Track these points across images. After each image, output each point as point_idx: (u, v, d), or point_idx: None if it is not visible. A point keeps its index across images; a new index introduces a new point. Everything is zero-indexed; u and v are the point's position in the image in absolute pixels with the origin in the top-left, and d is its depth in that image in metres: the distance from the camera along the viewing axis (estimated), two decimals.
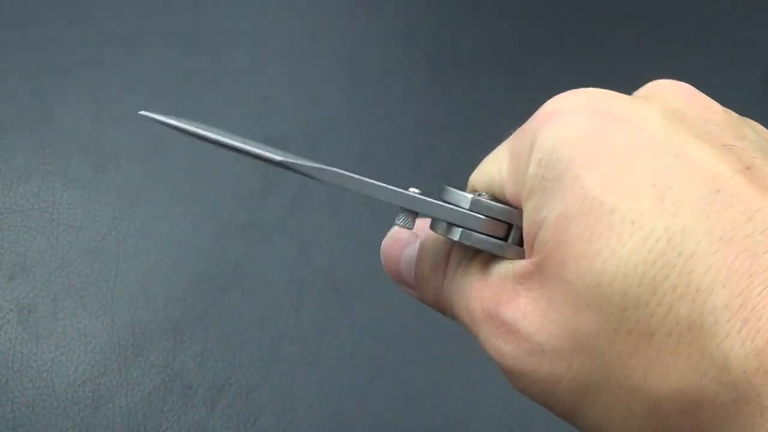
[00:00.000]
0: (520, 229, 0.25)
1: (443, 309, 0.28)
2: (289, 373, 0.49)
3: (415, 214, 0.26)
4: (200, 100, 0.59)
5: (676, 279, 0.20)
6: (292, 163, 0.25)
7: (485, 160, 0.28)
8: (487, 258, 0.26)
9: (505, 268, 0.25)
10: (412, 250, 0.29)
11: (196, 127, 0.27)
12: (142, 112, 0.26)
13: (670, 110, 0.23)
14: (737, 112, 0.27)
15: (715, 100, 0.27)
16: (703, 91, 0.27)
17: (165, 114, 0.27)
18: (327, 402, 0.48)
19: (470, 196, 0.26)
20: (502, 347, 0.24)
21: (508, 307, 0.24)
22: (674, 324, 0.20)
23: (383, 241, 0.30)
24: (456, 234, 0.26)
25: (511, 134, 0.27)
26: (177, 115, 0.26)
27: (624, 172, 0.22)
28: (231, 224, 0.54)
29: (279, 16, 0.65)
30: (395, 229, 0.29)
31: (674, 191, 0.21)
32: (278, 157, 0.25)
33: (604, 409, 0.22)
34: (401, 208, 0.26)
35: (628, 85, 0.28)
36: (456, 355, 0.50)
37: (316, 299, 0.52)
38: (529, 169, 0.24)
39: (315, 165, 0.25)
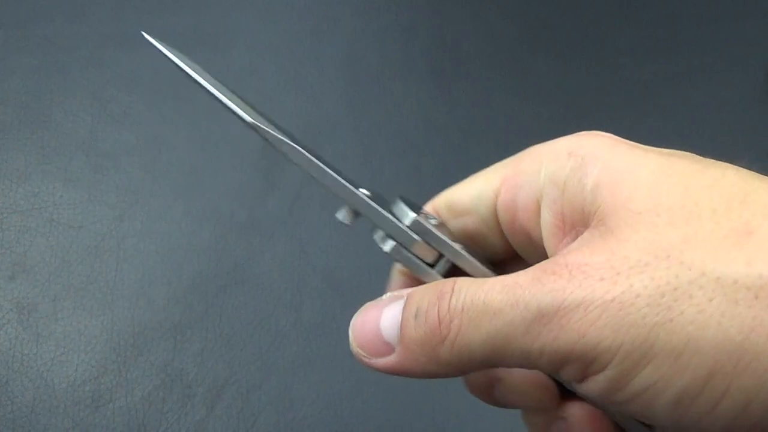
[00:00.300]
0: (450, 263, 0.26)
1: (447, 329, 0.25)
2: (289, 373, 0.49)
3: (357, 215, 0.26)
4: (200, 100, 0.59)
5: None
6: (259, 126, 0.26)
7: (467, 181, 0.28)
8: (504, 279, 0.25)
9: (556, 256, 0.23)
10: (396, 307, 0.26)
11: (189, 67, 0.27)
12: (144, 33, 0.26)
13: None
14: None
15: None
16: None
17: (167, 45, 0.27)
18: (327, 402, 0.48)
19: (413, 215, 0.26)
20: (564, 287, 0.22)
21: (571, 255, 0.22)
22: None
23: (356, 316, 0.28)
24: (388, 246, 0.26)
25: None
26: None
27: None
28: (231, 224, 0.54)
29: (279, 16, 0.65)
30: (367, 304, 0.28)
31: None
32: (249, 118, 0.26)
33: (698, 310, 0.21)
34: (346, 203, 0.26)
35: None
36: None
37: (316, 299, 0.52)
38: (555, 158, 0.25)
39: (279, 136, 0.26)
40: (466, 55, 0.65)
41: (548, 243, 0.25)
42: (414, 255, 0.26)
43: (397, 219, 0.26)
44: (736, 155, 0.24)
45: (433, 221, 0.27)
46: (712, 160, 0.23)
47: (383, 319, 0.26)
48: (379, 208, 0.26)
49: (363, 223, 0.27)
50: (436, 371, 0.25)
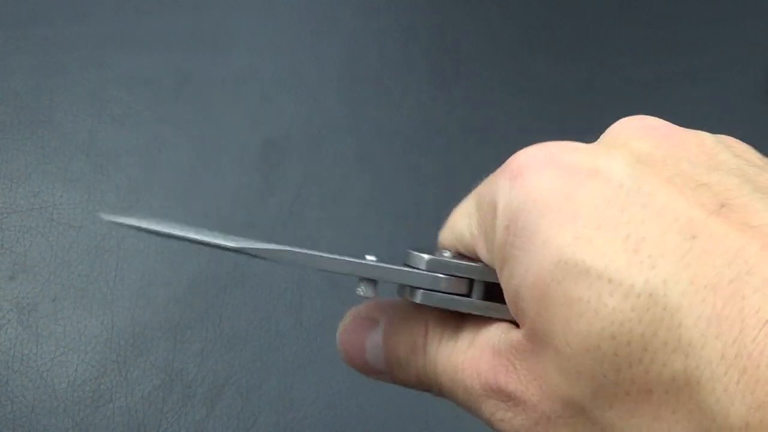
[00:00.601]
0: (483, 283, 0.25)
1: (428, 388, 0.27)
2: (289, 373, 0.49)
3: (375, 282, 0.26)
4: (200, 100, 0.59)
5: (666, 334, 0.19)
6: (246, 248, 0.26)
7: (454, 214, 0.28)
8: (472, 329, 0.25)
9: (496, 338, 0.24)
10: (376, 336, 0.28)
11: (156, 225, 0.27)
12: (102, 215, 0.27)
13: (636, 155, 0.23)
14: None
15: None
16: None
17: (123, 218, 0.28)
18: (327, 402, 0.48)
19: (426, 257, 0.26)
20: (512, 420, 0.23)
21: (510, 379, 0.23)
22: (670, 381, 0.20)
23: (338, 335, 0.29)
24: (418, 296, 0.25)
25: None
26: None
27: (594, 229, 0.21)
28: (231, 224, 0.54)
29: (279, 16, 0.65)
30: (348, 319, 0.29)
31: (648, 242, 0.20)
32: (233, 244, 0.26)
33: None
34: (360, 278, 0.26)
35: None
36: None
37: (316, 299, 0.52)
38: (497, 236, 0.23)
39: (269, 247, 0.26)
40: (466, 55, 0.65)
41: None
42: (446, 293, 0.25)
43: (414, 267, 0.26)
44: None
45: (447, 254, 0.26)
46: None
47: (368, 352, 0.28)
48: (394, 266, 0.26)
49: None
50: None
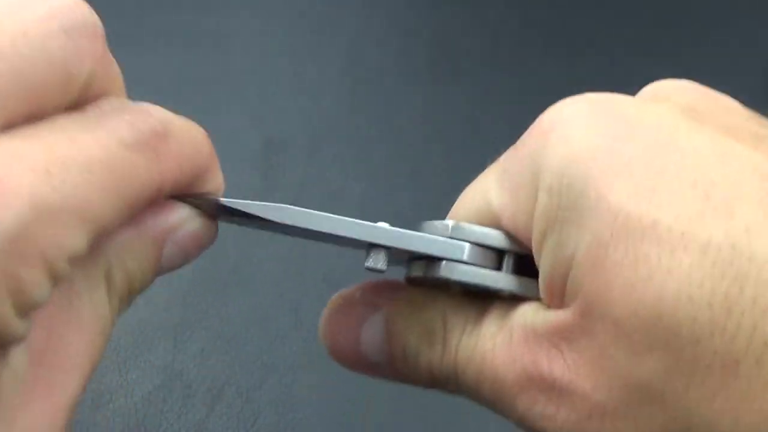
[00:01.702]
0: (514, 255, 0.22)
1: (442, 383, 0.23)
2: (289, 373, 0.49)
3: (387, 250, 0.22)
4: (200, 100, 0.59)
5: (754, 291, 0.17)
6: (234, 202, 0.23)
7: (466, 193, 0.24)
8: (500, 312, 0.22)
9: (533, 320, 0.20)
10: (375, 324, 0.23)
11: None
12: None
13: (681, 107, 0.21)
14: None
15: None
16: None
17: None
18: (327, 402, 0.48)
19: (450, 222, 0.22)
20: (555, 415, 0.19)
21: (555, 366, 0.19)
22: (762, 348, 0.17)
23: (323, 322, 0.25)
24: (437, 269, 0.21)
25: (506, 138, 0.24)
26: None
27: (654, 178, 0.18)
28: (231, 224, 0.54)
29: (279, 16, 0.65)
30: (336, 303, 0.25)
31: (720, 188, 0.18)
32: (223, 201, 0.24)
33: None
34: (369, 245, 0.22)
35: (628, 85, 0.27)
36: None
37: (316, 299, 0.52)
38: (539, 201, 0.20)
39: (265, 204, 0.22)
40: (466, 55, 0.65)
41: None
42: (475, 265, 0.21)
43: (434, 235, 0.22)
44: None
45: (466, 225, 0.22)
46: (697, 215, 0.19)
47: (363, 342, 0.23)
48: (413, 232, 0.22)
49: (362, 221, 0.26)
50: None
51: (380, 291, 0.24)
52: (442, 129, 0.60)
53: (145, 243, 0.21)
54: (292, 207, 0.23)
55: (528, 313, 0.21)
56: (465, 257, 0.21)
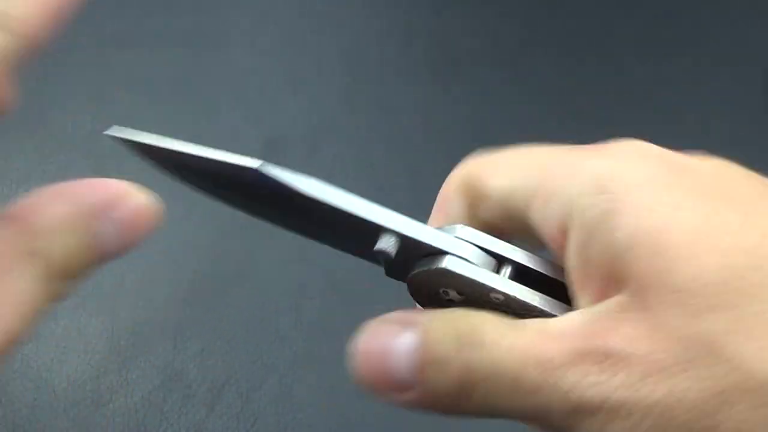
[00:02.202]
0: (514, 265, 0.23)
1: (470, 390, 0.22)
2: (289, 373, 0.49)
3: (398, 238, 0.23)
4: (200, 100, 0.59)
5: None
6: (265, 168, 0.23)
7: (500, 165, 0.25)
8: (539, 321, 0.22)
9: (578, 316, 0.21)
10: (408, 338, 0.23)
11: (158, 141, 0.24)
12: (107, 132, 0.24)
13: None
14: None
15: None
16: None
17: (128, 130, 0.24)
18: (327, 402, 0.48)
19: (459, 225, 0.23)
20: (608, 380, 0.20)
21: (610, 337, 0.20)
22: None
23: (359, 341, 0.24)
24: (441, 261, 0.22)
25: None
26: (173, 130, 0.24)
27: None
28: (231, 224, 0.54)
29: (279, 16, 0.65)
30: (369, 326, 0.24)
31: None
32: (235, 160, 0.23)
33: (741, 419, 0.19)
34: (382, 228, 0.23)
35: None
36: None
37: (316, 299, 0.52)
38: (585, 191, 0.21)
39: (292, 174, 0.23)
40: (466, 55, 0.65)
41: (573, 282, 0.23)
42: (476, 265, 0.22)
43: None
44: (735, 155, 0.24)
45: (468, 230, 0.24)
46: (758, 204, 0.21)
47: (395, 356, 0.23)
48: (426, 226, 0.23)
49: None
50: (463, 415, 0.23)
51: (417, 312, 0.24)
52: (442, 129, 0.60)
53: (76, 220, 0.20)
54: (318, 181, 0.23)
55: (573, 315, 0.21)
56: (468, 255, 0.22)
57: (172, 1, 0.64)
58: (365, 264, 0.27)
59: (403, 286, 0.26)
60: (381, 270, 0.29)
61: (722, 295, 0.19)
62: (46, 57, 0.66)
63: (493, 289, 0.22)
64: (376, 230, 0.23)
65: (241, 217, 0.58)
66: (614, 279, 0.21)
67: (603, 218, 0.21)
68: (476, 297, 0.23)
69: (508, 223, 0.25)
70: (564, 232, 0.22)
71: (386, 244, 0.23)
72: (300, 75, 0.62)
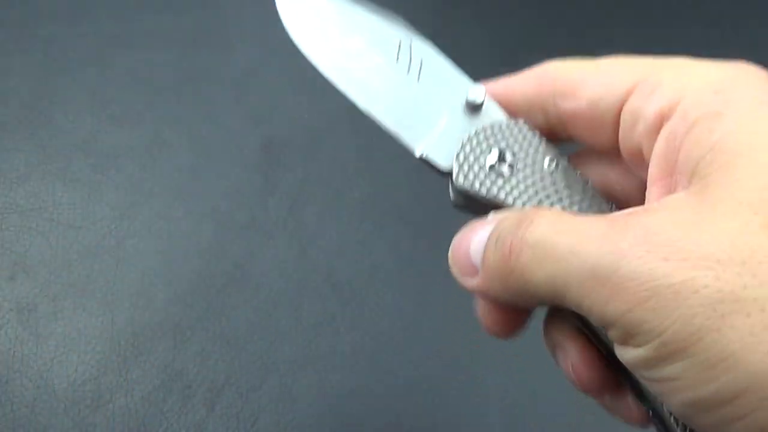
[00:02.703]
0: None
1: (516, 256, 0.24)
2: (289, 373, 0.49)
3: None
4: (200, 100, 0.59)
5: None
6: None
7: (592, 66, 0.29)
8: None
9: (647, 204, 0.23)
10: (485, 231, 0.26)
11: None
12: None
13: None
14: None
15: None
16: None
17: None
18: (327, 402, 0.48)
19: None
20: (627, 251, 0.21)
21: (647, 215, 0.22)
22: None
23: (456, 236, 0.28)
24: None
25: None
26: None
27: None
28: (231, 224, 0.54)
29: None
30: (470, 223, 0.28)
31: None
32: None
33: (750, 332, 0.19)
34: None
35: None
36: (455, 355, 0.50)
37: (316, 299, 0.52)
38: (701, 96, 0.23)
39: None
40: (466, 55, 0.65)
41: (651, 175, 0.24)
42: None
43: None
44: None
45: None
46: None
47: (473, 242, 0.26)
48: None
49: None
50: (510, 299, 0.25)
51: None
52: None
53: None
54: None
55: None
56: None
57: (172, 2, 0.64)
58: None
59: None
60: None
61: None
62: (46, 57, 0.67)
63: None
64: None
65: (241, 217, 0.58)
66: (690, 173, 0.22)
67: (706, 119, 0.22)
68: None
69: (589, 120, 0.28)
70: (659, 119, 0.24)
71: (476, 95, 0.31)
72: (300, 75, 0.62)
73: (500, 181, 0.28)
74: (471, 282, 0.26)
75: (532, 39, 0.66)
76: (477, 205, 0.28)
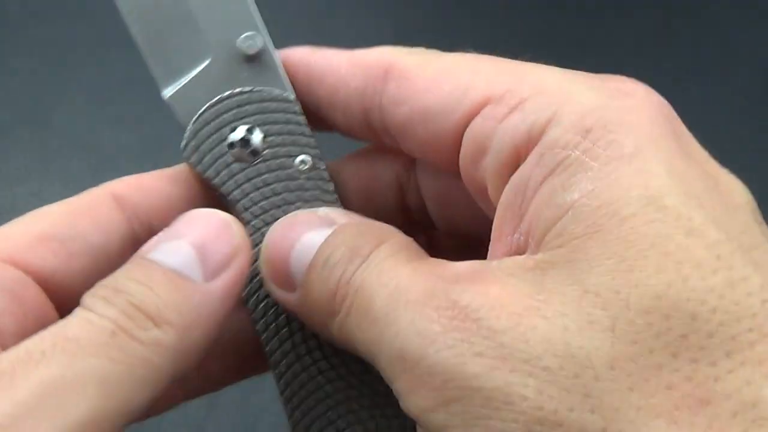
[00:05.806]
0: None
1: (340, 299, 0.19)
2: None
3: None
4: None
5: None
6: None
7: (429, 65, 0.22)
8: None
9: (509, 262, 0.18)
10: (320, 235, 0.20)
11: None
12: None
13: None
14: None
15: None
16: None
17: None
18: None
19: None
20: (438, 329, 0.17)
21: (472, 289, 0.17)
22: None
23: (279, 222, 0.22)
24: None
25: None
26: None
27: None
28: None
29: (279, 16, 0.65)
30: (299, 213, 0.22)
31: None
32: None
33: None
34: None
35: None
36: None
37: None
38: (560, 134, 0.18)
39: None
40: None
41: (495, 227, 0.19)
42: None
43: None
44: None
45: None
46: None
47: (297, 248, 0.20)
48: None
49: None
50: (330, 339, 0.20)
51: (342, 213, 0.22)
52: None
53: None
54: None
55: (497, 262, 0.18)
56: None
57: None
58: None
59: None
60: None
61: (654, 317, 0.16)
62: (46, 57, 0.67)
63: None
64: None
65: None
66: (539, 239, 0.17)
67: (573, 166, 0.17)
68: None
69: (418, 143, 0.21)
70: (516, 157, 0.19)
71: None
72: None
73: (236, 168, 0.22)
74: (284, 296, 0.21)
75: (532, 39, 0.66)
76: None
